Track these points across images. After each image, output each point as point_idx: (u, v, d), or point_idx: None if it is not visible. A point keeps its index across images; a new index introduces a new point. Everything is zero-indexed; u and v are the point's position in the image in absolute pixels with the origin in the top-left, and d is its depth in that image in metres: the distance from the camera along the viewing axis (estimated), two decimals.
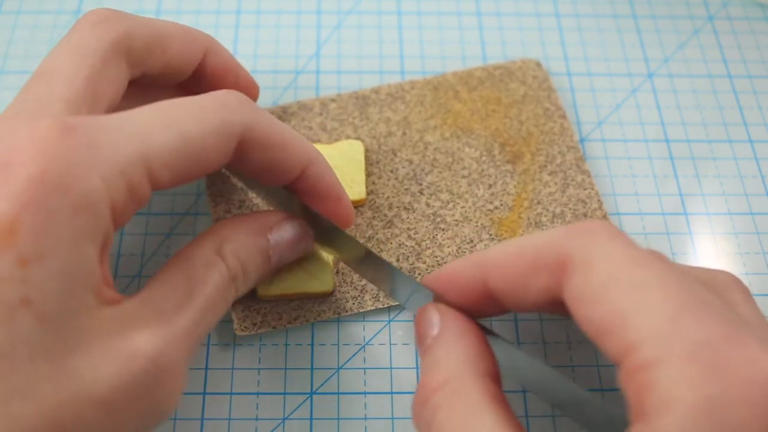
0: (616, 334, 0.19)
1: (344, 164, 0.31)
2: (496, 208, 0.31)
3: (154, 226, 0.31)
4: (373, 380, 0.28)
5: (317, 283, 0.29)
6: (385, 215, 0.31)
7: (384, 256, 0.30)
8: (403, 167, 0.32)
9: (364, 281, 0.29)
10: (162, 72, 0.27)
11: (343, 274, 0.30)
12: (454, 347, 0.23)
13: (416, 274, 0.30)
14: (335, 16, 0.39)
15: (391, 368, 0.29)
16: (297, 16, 0.39)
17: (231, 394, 0.28)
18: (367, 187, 0.32)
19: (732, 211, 0.33)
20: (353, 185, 0.31)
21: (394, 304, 0.29)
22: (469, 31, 0.39)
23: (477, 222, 0.31)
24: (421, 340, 0.24)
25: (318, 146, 0.32)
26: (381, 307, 0.29)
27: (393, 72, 0.37)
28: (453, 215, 0.31)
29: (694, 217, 0.33)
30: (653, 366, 0.18)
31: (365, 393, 0.28)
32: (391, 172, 0.32)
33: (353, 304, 0.29)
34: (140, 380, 0.20)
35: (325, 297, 0.29)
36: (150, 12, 0.38)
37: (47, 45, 0.37)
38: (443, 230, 0.31)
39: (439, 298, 0.25)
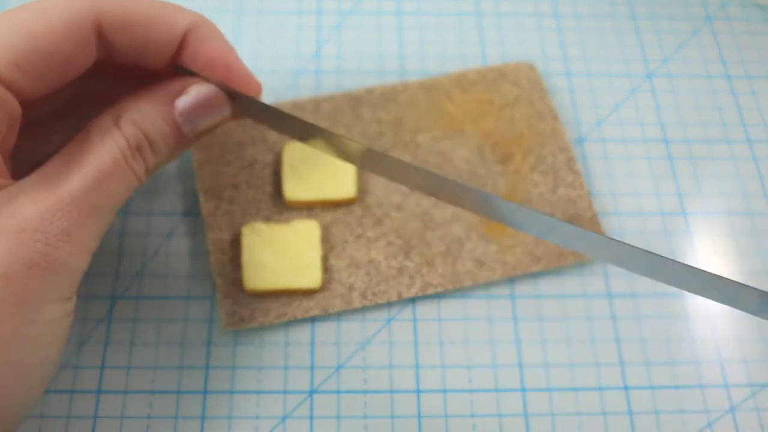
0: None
1: (332, 164, 0.32)
2: None
3: (154, 226, 0.32)
4: (373, 380, 0.28)
5: (305, 279, 0.29)
6: (374, 214, 0.31)
7: (373, 254, 0.30)
8: None
9: (352, 278, 0.30)
10: (135, 52, 0.25)
11: (331, 271, 0.30)
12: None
13: (405, 275, 0.30)
14: (335, 16, 0.39)
15: (390, 368, 0.29)
16: (297, 16, 0.39)
17: (231, 392, 0.28)
18: (357, 186, 0.32)
19: (731, 210, 0.33)
20: (343, 183, 0.31)
21: (381, 302, 0.29)
22: (469, 31, 0.39)
23: (466, 221, 0.31)
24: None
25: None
26: (369, 304, 0.29)
27: (393, 72, 0.37)
28: (443, 215, 0.31)
29: (692, 217, 0.33)
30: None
31: (365, 392, 0.28)
32: None
33: (341, 301, 0.29)
34: (31, 249, 0.21)
35: (312, 293, 0.29)
36: None
37: None
38: (432, 229, 0.31)
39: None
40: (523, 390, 0.28)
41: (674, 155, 0.35)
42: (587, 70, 0.37)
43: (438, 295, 0.30)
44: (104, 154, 0.23)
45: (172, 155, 0.26)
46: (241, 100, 0.26)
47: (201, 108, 0.25)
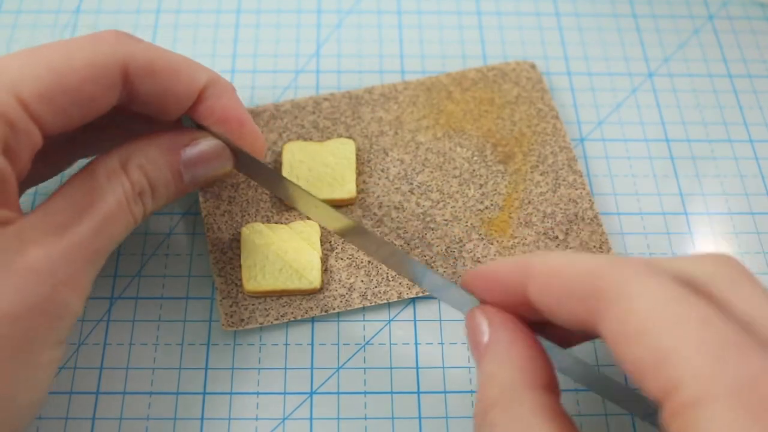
0: (657, 374, 0.18)
1: (335, 162, 0.32)
2: (486, 208, 0.31)
3: (154, 226, 0.31)
4: (373, 380, 0.28)
5: (305, 280, 0.29)
6: (374, 214, 0.31)
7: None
8: (394, 167, 0.32)
9: (352, 279, 0.30)
10: (154, 99, 0.25)
11: (331, 272, 0.30)
12: (505, 359, 0.22)
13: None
14: (335, 15, 0.39)
15: (391, 368, 0.29)
16: (297, 16, 0.39)
17: (231, 393, 0.28)
18: (357, 186, 0.32)
19: (732, 210, 0.33)
20: (343, 183, 0.31)
21: (381, 302, 0.29)
22: (469, 30, 0.39)
23: (467, 222, 0.31)
24: (474, 347, 0.23)
25: (309, 144, 0.32)
26: (369, 305, 0.29)
27: (393, 72, 0.37)
28: (443, 215, 0.31)
29: (694, 217, 0.33)
30: (696, 406, 0.17)
31: (365, 393, 0.28)
32: (382, 171, 0.32)
33: (341, 302, 0.29)
34: (38, 292, 0.21)
35: (312, 294, 0.29)
36: (150, 11, 0.38)
37: None
38: (433, 230, 0.31)
39: (482, 304, 0.24)
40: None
41: (675, 155, 0.35)
42: (588, 69, 0.37)
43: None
44: (110, 197, 0.23)
45: (168, 201, 0.26)
46: (243, 158, 0.27)
47: (205, 160, 0.26)
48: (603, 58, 0.38)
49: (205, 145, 0.26)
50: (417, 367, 0.29)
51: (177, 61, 0.25)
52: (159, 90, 0.24)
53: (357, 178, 0.32)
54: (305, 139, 0.33)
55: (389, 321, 0.30)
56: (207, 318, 0.29)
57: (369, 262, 0.30)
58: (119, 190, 0.24)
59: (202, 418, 0.27)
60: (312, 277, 0.29)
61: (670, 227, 0.32)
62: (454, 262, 0.30)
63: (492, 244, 0.30)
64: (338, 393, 0.28)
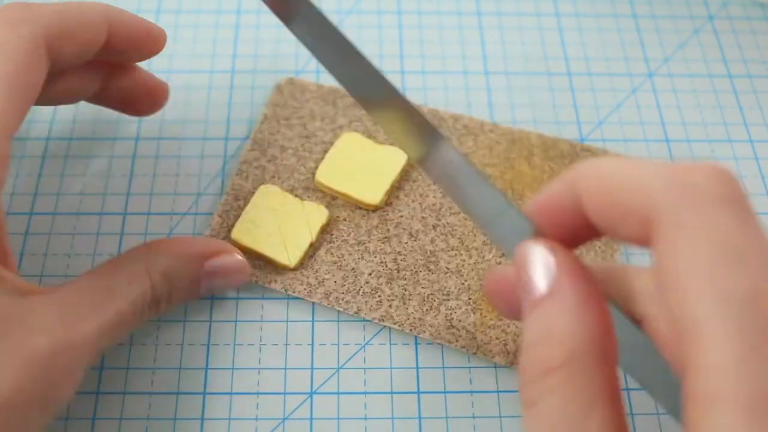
0: (684, 344, 0.16)
1: (379, 167, 0.32)
2: None
3: (153, 226, 0.31)
4: (373, 380, 0.28)
5: (284, 255, 0.29)
6: (387, 229, 0.31)
7: (361, 264, 0.30)
8: (433, 196, 0.32)
9: (327, 276, 0.29)
10: (75, 56, 0.26)
11: (314, 261, 0.30)
12: (579, 316, 0.18)
13: (375, 298, 0.29)
14: (335, 15, 0.39)
15: (391, 368, 0.29)
16: None
17: (231, 393, 0.28)
18: (387, 198, 0.31)
19: None
20: (374, 189, 0.31)
21: (339, 308, 0.29)
22: (469, 30, 0.39)
23: (465, 281, 0.30)
24: (525, 288, 0.19)
25: (366, 141, 0.33)
26: (327, 305, 0.29)
27: (393, 71, 0.37)
28: (448, 263, 0.30)
29: None
30: (711, 404, 0.15)
31: (365, 393, 0.28)
32: (420, 195, 0.32)
33: (304, 290, 0.29)
34: (37, 385, 0.21)
35: (285, 271, 0.30)
36: (150, 11, 0.38)
37: None
38: (430, 271, 0.30)
39: (540, 235, 0.20)
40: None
41: (675, 155, 0.35)
42: (588, 70, 0.37)
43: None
44: (127, 301, 0.24)
45: (174, 307, 0.27)
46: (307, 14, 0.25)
47: (226, 274, 0.27)
48: (603, 59, 0.38)
49: (228, 260, 0.27)
50: (417, 368, 0.29)
51: (80, 11, 0.26)
52: (76, 47, 0.26)
53: (392, 191, 0.32)
54: (369, 135, 0.33)
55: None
56: (207, 318, 0.29)
57: (353, 269, 0.30)
58: (138, 296, 0.24)
59: (202, 419, 0.27)
60: (292, 256, 0.29)
61: None
62: (426, 311, 0.29)
63: (474, 313, 0.29)
64: (338, 393, 0.28)
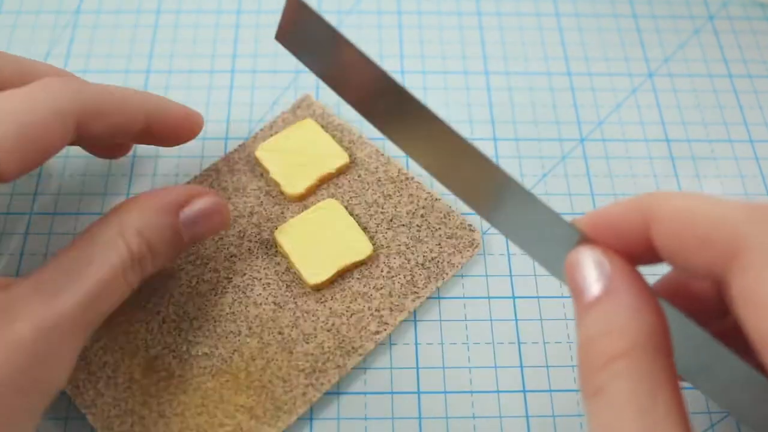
0: None
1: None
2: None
3: None
4: (373, 380, 0.28)
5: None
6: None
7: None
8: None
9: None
10: (106, 135, 0.26)
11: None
12: (636, 312, 0.19)
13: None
14: (335, 15, 0.39)
15: (391, 368, 0.29)
16: None
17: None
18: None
19: None
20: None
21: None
22: (470, 30, 0.39)
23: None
24: (579, 292, 0.20)
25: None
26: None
27: (393, 72, 0.37)
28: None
29: None
30: None
31: (365, 393, 0.28)
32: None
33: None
34: (24, 363, 0.21)
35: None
36: (150, 11, 0.38)
37: (47, 45, 0.37)
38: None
39: (589, 242, 0.21)
40: (524, 391, 0.28)
41: (675, 155, 0.35)
42: (588, 70, 0.37)
43: (438, 296, 0.30)
44: (105, 269, 0.23)
45: (166, 263, 0.26)
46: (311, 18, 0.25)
47: (204, 218, 0.27)
48: (603, 58, 0.38)
49: (203, 203, 0.27)
50: (417, 367, 0.29)
51: (121, 100, 0.26)
52: (110, 127, 0.26)
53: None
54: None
55: None
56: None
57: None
58: (116, 261, 0.23)
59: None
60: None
61: None
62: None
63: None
64: (338, 393, 0.28)
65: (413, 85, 0.36)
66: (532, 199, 0.21)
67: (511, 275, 0.31)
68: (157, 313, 0.28)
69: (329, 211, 0.30)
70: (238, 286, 0.29)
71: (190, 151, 0.34)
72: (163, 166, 0.33)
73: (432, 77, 0.37)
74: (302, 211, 0.31)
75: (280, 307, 0.29)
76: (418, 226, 0.30)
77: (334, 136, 0.33)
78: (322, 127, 0.33)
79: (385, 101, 0.24)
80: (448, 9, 0.39)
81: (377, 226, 0.31)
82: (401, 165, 0.32)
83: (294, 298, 0.29)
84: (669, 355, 0.19)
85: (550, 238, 0.21)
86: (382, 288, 0.29)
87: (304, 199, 0.31)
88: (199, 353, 0.28)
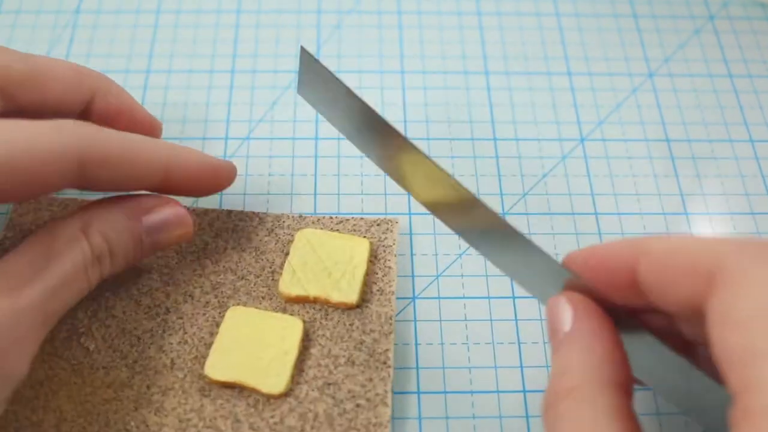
0: (741, 369, 0.18)
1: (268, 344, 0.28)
2: None
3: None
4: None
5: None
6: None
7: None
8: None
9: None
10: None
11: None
12: (585, 351, 0.21)
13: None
14: (335, 15, 0.39)
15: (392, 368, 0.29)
16: (297, 16, 0.39)
17: None
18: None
19: (732, 210, 0.33)
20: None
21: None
22: (470, 30, 0.39)
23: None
24: (553, 334, 0.23)
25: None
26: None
27: (393, 71, 0.37)
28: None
29: (694, 217, 0.33)
30: (766, 416, 0.17)
31: None
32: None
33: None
34: None
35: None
36: (150, 11, 0.38)
37: (47, 45, 0.37)
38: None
39: (573, 285, 0.23)
40: (524, 391, 0.28)
41: (676, 155, 0.35)
42: (588, 70, 0.37)
43: (438, 296, 0.30)
44: (67, 262, 0.23)
45: (124, 267, 0.26)
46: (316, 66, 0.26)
47: (167, 227, 0.27)
48: (603, 58, 0.38)
49: (166, 213, 0.27)
50: (417, 368, 0.29)
51: (136, 152, 0.25)
52: (120, 177, 0.25)
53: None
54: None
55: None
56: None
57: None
58: (78, 256, 0.24)
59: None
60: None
61: (670, 227, 0.32)
62: None
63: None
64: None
65: (413, 85, 0.36)
66: (525, 241, 0.23)
67: None
68: (96, 288, 0.27)
69: (286, 329, 0.28)
70: (167, 322, 0.28)
71: None
72: None
73: (432, 77, 0.37)
74: (277, 309, 0.29)
75: (171, 368, 0.27)
76: (344, 410, 0.26)
77: (369, 272, 0.30)
78: (373, 257, 0.30)
79: (383, 146, 0.27)
80: (448, 9, 0.39)
81: (312, 379, 0.27)
82: (392, 347, 0.28)
83: (188, 371, 0.27)
84: (621, 388, 0.21)
85: (542, 276, 0.24)
86: (256, 430, 0.26)
87: (291, 302, 0.29)
88: (84, 344, 0.27)
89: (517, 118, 0.35)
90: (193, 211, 0.31)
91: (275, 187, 0.33)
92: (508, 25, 0.39)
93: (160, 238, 0.27)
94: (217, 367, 0.27)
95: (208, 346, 0.28)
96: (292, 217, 0.31)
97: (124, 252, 0.26)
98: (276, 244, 0.30)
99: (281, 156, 0.34)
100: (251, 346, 0.27)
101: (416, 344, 0.29)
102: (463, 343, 0.29)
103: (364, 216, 0.31)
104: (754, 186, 0.34)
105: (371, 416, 0.26)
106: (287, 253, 0.30)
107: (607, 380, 0.21)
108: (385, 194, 0.33)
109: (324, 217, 0.31)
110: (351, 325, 0.28)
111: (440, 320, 0.30)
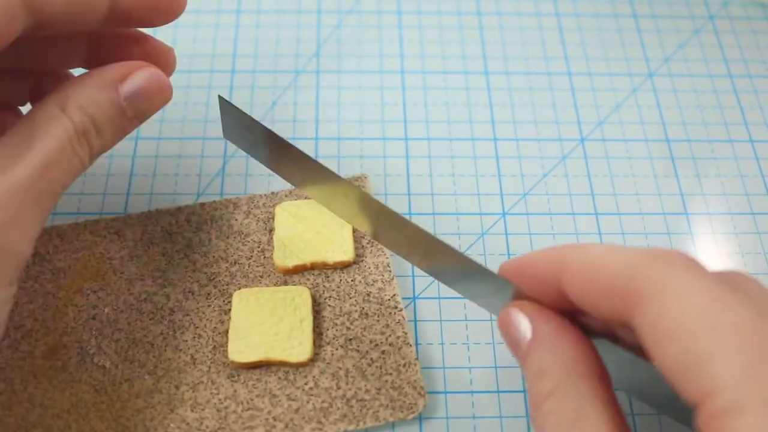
0: (692, 378, 0.18)
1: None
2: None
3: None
4: None
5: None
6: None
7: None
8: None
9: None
10: (65, 18, 0.24)
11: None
12: (556, 353, 0.22)
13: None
14: (335, 15, 0.39)
15: None
16: (297, 16, 0.39)
17: None
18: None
19: (733, 210, 0.33)
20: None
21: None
22: (469, 30, 0.39)
23: None
24: (514, 346, 0.23)
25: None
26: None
27: (393, 72, 0.37)
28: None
29: (694, 217, 0.33)
30: (732, 414, 0.17)
31: None
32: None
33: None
34: None
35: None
36: None
37: None
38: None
39: (520, 295, 0.23)
40: (524, 391, 0.28)
41: (676, 155, 0.35)
42: (588, 70, 0.37)
43: (438, 296, 0.30)
44: (51, 140, 0.23)
45: (115, 140, 0.26)
46: (241, 120, 0.27)
47: (145, 93, 0.26)
48: (603, 58, 0.38)
49: (141, 77, 0.26)
50: None
51: None
52: (65, 5, 0.24)
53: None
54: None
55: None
56: None
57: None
58: (60, 132, 0.24)
59: None
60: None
61: (670, 227, 0.32)
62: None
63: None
64: None
65: (413, 84, 0.36)
66: (466, 260, 0.24)
67: None
68: (93, 307, 0.28)
69: (295, 299, 0.28)
70: (174, 322, 0.28)
71: (190, 151, 0.34)
72: (163, 166, 0.33)
73: (432, 77, 0.37)
74: (278, 283, 0.29)
75: (194, 363, 0.27)
76: (371, 360, 0.27)
77: (356, 229, 0.30)
78: None
79: (301, 171, 0.28)
80: (448, 9, 0.39)
81: (333, 339, 0.28)
82: (398, 291, 0.29)
83: (211, 363, 0.27)
84: (596, 377, 0.21)
85: (490, 293, 0.24)
86: (294, 400, 0.27)
87: (289, 274, 0.29)
88: (99, 363, 0.27)
89: (517, 118, 0.35)
90: (167, 211, 0.31)
91: (275, 187, 0.33)
92: (508, 25, 0.39)
93: (143, 104, 0.26)
94: (240, 351, 0.27)
95: (223, 334, 0.28)
96: (265, 195, 0.32)
97: (109, 123, 0.25)
98: (257, 224, 0.31)
99: None
100: (266, 322, 0.28)
101: (416, 344, 0.29)
102: (463, 343, 0.29)
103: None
104: (754, 186, 0.34)
105: (398, 358, 0.27)
106: (271, 230, 0.30)
107: (583, 373, 0.21)
108: (385, 194, 0.33)
109: (294, 189, 0.32)
110: (353, 280, 0.29)
111: (440, 320, 0.30)
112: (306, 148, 0.34)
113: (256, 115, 0.35)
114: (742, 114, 0.36)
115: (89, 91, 0.25)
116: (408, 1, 0.40)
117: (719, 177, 0.34)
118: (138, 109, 0.26)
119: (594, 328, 0.23)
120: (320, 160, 0.33)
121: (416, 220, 0.32)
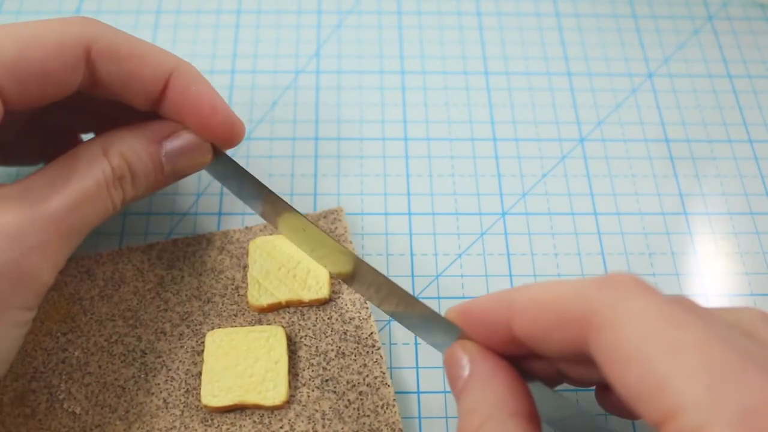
0: (654, 400, 0.18)
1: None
2: None
3: (153, 226, 0.31)
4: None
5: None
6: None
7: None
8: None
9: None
10: (119, 85, 0.25)
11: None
12: (487, 390, 0.22)
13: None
14: (335, 15, 0.39)
15: (391, 368, 0.29)
16: (297, 16, 0.39)
17: None
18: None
19: (732, 210, 0.33)
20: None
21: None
22: (470, 30, 0.39)
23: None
24: (453, 383, 0.23)
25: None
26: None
27: (393, 72, 0.37)
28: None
29: (694, 217, 0.33)
30: None
31: None
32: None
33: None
34: (7, 255, 0.22)
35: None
36: (150, 11, 0.38)
37: None
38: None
39: (465, 335, 0.24)
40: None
41: (675, 155, 0.35)
42: (588, 70, 0.37)
43: (438, 296, 0.30)
44: (89, 178, 0.24)
45: (148, 191, 0.27)
46: (221, 159, 0.28)
47: (186, 152, 0.27)
48: (603, 59, 0.38)
49: (186, 137, 0.27)
50: (417, 367, 0.29)
51: (142, 47, 0.25)
52: (123, 74, 0.25)
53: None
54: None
55: (389, 321, 0.30)
56: None
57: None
58: (99, 174, 0.24)
59: None
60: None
61: (670, 227, 0.32)
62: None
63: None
64: None
65: (413, 85, 0.36)
66: (416, 302, 0.25)
67: (510, 275, 0.31)
68: (63, 350, 0.27)
69: (270, 339, 0.27)
70: (146, 364, 0.27)
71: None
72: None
73: (432, 77, 0.37)
74: (252, 322, 0.28)
75: (166, 408, 0.26)
76: (348, 401, 0.27)
77: None
78: None
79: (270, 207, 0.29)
80: (448, 9, 0.39)
81: (309, 380, 0.27)
82: (375, 329, 0.28)
83: (184, 407, 0.26)
84: (525, 416, 0.21)
85: (440, 335, 0.25)
86: None
87: (264, 312, 0.29)
88: (69, 409, 0.26)
89: (516, 119, 0.35)
90: (138, 248, 0.30)
91: (275, 188, 0.33)
92: (508, 26, 0.39)
93: (180, 163, 0.27)
94: (214, 394, 0.26)
95: (196, 376, 0.27)
96: (239, 230, 0.31)
97: (145, 175, 0.26)
98: (231, 260, 0.30)
99: (281, 156, 0.34)
100: (240, 364, 0.27)
101: (416, 344, 0.29)
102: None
103: (308, 214, 0.31)
104: (754, 186, 0.34)
105: (376, 399, 0.27)
106: (245, 266, 0.30)
107: (512, 411, 0.21)
108: (385, 194, 0.33)
109: (268, 223, 0.31)
110: (330, 318, 0.28)
111: (416, 343, 0.30)
112: (306, 148, 0.34)
113: (257, 115, 0.35)
114: (741, 114, 0.36)
115: (133, 141, 0.26)
116: (408, 1, 0.40)
117: (718, 177, 0.34)
118: (175, 167, 0.27)
119: (538, 372, 0.23)
120: (320, 160, 0.34)
121: (416, 220, 0.32)
